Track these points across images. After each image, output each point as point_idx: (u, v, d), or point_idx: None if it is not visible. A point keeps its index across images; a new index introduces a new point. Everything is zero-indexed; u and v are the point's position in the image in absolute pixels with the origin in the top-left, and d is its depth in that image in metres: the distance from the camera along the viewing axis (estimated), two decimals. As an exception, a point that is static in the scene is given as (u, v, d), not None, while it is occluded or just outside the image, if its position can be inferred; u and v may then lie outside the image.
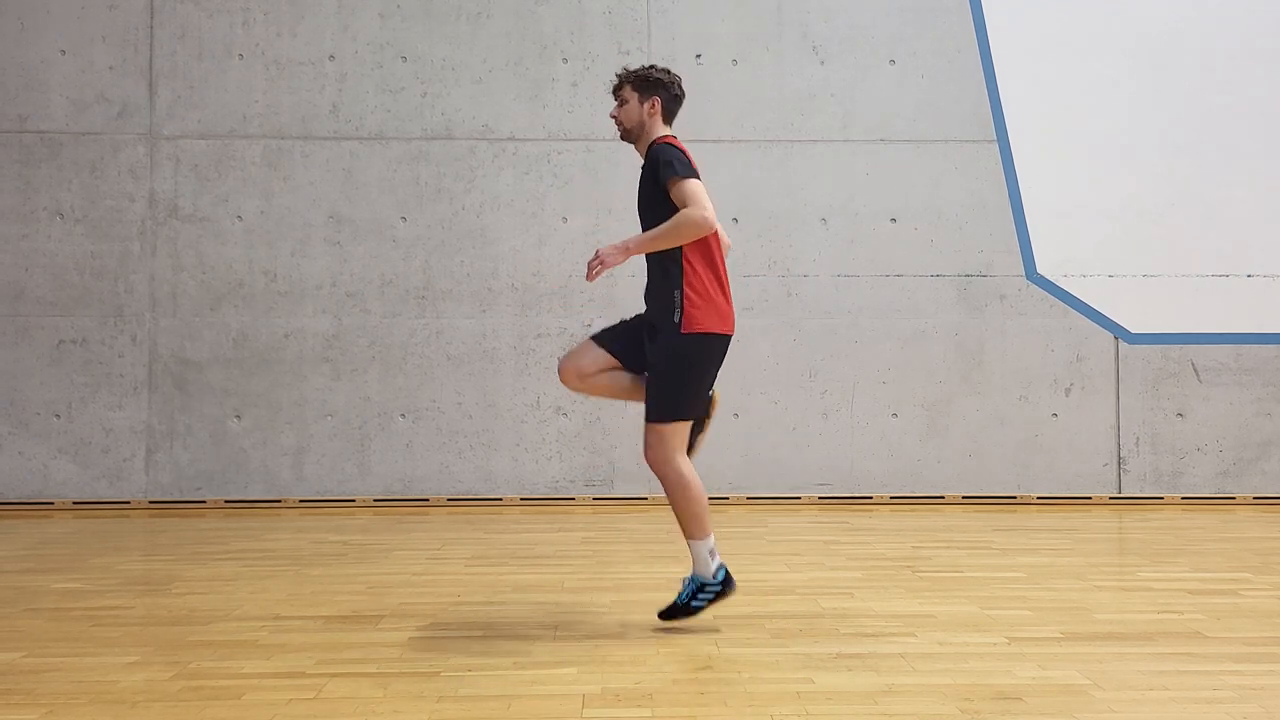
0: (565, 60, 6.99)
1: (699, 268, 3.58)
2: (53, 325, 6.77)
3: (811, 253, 6.97)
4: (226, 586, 4.38)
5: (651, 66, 3.82)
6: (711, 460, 6.80)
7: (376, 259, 6.88)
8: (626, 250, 3.57)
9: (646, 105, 3.72)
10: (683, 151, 3.65)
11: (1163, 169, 7.05)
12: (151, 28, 6.90)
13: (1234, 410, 6.98)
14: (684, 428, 3.61)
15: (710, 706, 2.82)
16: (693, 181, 3.53)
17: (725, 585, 3.64)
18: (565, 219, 6.90)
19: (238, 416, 6.79)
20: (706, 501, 3.61)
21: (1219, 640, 3.51)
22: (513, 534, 5.77)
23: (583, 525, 6.04)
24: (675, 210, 3.54)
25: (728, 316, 3.63)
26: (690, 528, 3.61)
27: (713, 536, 3.65)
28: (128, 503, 6.73)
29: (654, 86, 3.72)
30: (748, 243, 6.89)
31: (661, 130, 3.75)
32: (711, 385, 3.70)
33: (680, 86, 3.80)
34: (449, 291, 6.88)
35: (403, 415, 6.83)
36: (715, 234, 3.63)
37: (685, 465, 3.61)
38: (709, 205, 3.51)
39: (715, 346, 3.61)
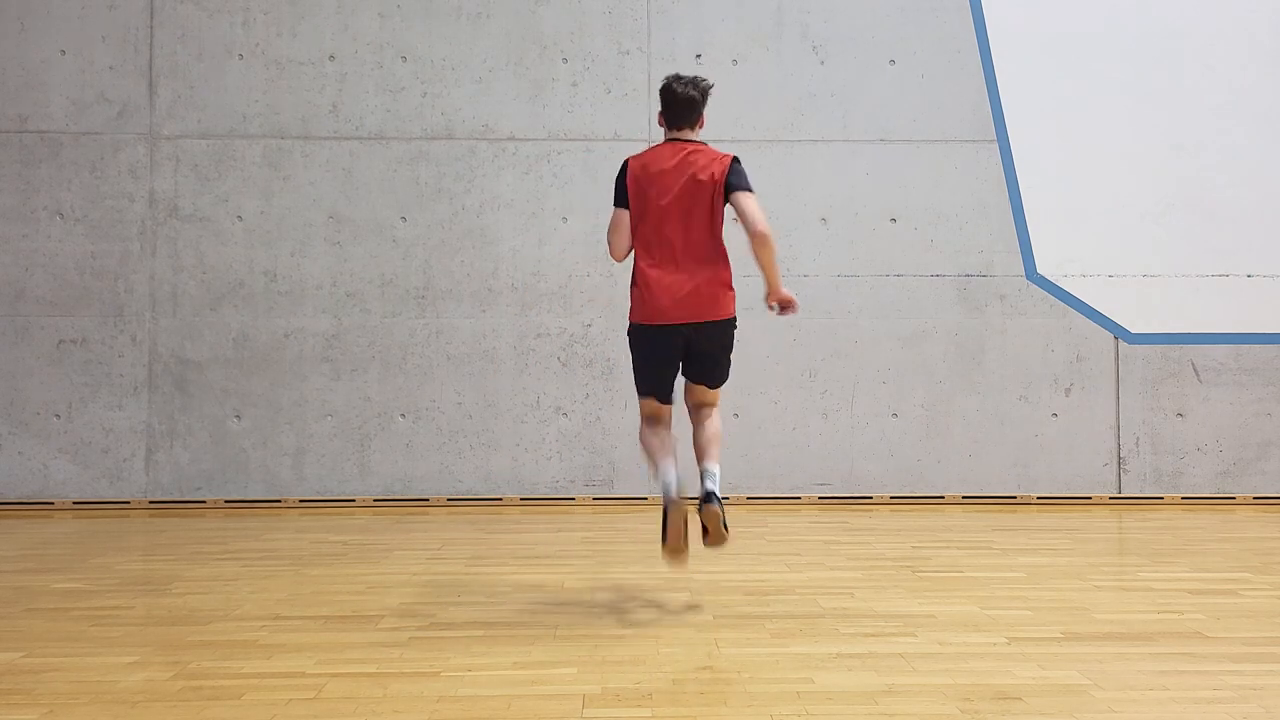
0: (565, 60, 6.99)
1: (634, 263, 4.01)
2: (53, 325, 6.76)
3: (811, 253, 6.96)
4: (226, 586, 4.38)
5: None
6: (711, 460, 6.80)
7: (376, 259, 6.88)
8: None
9: (658, 116, 4.03)
10: (627, 174, 3.92)
11: (1163, 169, 7.05)
12: (151, 28, 6.90)
13: (1234, 410, 6.98)
14: (643, 401, 4.08)
15: (710, 706, 2.82)
16: (612, 211, 4.03)
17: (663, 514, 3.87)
18: (565, 219, 6.89)
19: (238, 416, 6.79)
20: (654, 451, 3.98)
21: (1219, 640, 3.50)
22: (513, 534, 5.77)
23: (583, 525, 6.04)
24: None
25: (646, 309, 3.94)
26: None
27: (661, 468, 3.92)
28: (128, 503, 6.73)
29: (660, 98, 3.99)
30: (747, 242, 6.87)
31: (666, 136, 3.99)
32: (656, 372, 4.00)
33: (668, 90, 3.90)
34: (449, 291, 6.88)
35: (403, 415, 6.83)
36: (654, 228, 3.95)
37: (642, 434, 4.07)
38: (610, 237, 4.05)
39: (635, 335, 4.03)
